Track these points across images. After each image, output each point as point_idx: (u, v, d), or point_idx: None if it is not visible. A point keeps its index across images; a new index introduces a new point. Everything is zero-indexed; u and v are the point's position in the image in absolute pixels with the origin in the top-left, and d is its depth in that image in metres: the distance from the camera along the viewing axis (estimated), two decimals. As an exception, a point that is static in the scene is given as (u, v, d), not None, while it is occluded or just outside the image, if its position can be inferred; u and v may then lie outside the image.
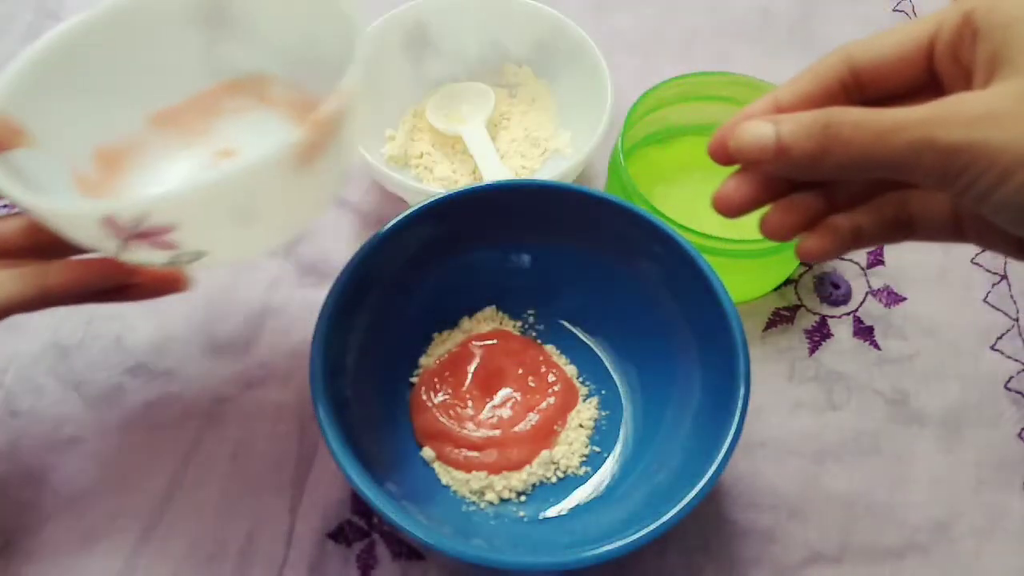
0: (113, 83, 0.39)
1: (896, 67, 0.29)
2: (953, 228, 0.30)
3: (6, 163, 0.33)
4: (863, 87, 0.29)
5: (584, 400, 0.44)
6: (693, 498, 0.34)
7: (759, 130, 0.28)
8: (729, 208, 0.30)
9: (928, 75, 0.29)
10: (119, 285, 0.36)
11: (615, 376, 0.45)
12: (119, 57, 0.39)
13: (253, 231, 0.33)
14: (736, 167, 0.30)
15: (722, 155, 0.29)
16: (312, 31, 0.39)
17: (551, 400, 0.43)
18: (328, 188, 0.35)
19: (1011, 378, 0.47)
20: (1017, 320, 0.49)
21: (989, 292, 0.50)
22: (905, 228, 0.30)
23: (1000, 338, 0.48)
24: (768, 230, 0.30)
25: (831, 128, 0.26)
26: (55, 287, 0.33)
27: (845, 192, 0.30)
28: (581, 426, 0.43)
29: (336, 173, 0.35)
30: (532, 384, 0.44)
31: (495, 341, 0.45)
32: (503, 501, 0.41)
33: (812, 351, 0.48)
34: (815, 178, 0.28)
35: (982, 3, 0.27)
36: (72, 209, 0.31)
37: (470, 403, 0.43)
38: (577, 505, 0.41)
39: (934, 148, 0.25)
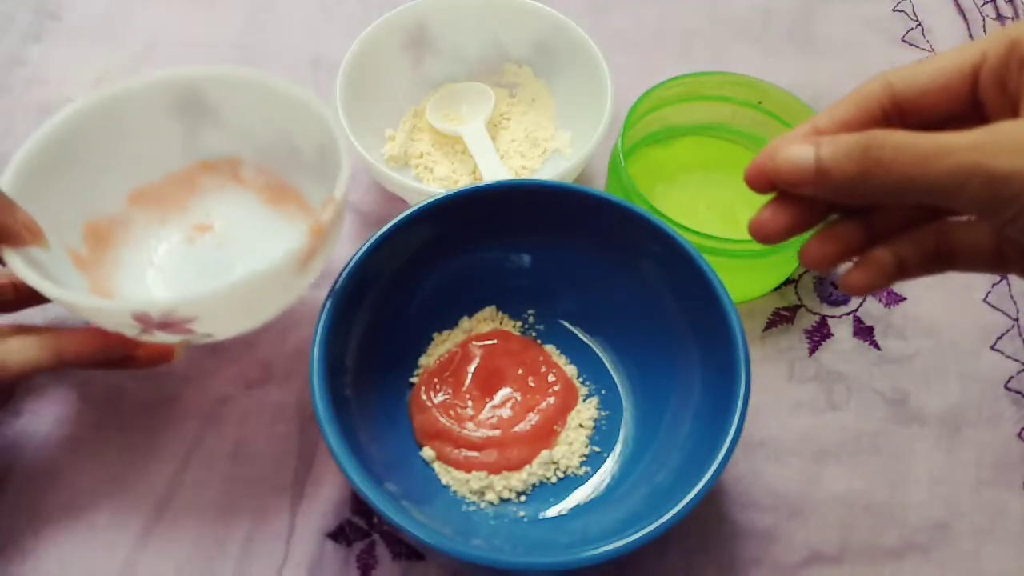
0: (100, 167, 0.43)
1: (938, 95, 0.28)
2: (995, 259, 0.29)
3: (27, 258, 0.37)
4: (904, 115, 0.29)
5: (584, 400, 0.44)
6: (693, 498, 0.34)
7: (798, 152, 0.27)
8: (766, 236, 0.30)
9: (971, 104, 0.28)
10: (123, 356, 0.40)
11: (615, 376, 0.45)
12: (105, 144, 0.43)
13: (254, 317, 0.39)
14: (769, 196, 0.30)
15: (760, 182, 0.29)
16: (285, 124, 0.44)
17: (551, 400, 0.43)
18: (312, 278, 0.39)
19: (1011, 378, 0.47)
20: (1017, 320, 0.49)
21: (989, 292, 0.50)
22: (947, 259, 0.29)
23: (1000, 338, 0.48)
24: (807, 260, 0.30)
25: (872, 151, 0.26)
26: (68, 355, 0.38)
27: (883, 222, 0.30)
28: (581, 426, 0.43)
29: (320, 266, 0.39)
30: (532, 384, 0.44)
31: (495, 341, 0.45)
32: (503, 501, 0.41)
33: (812, 351, 0.48)
34: (854, 202, 0.28)
35: None
36: (112, 307, 0.36)
37: (470, 403, 0.43)
38: (577, 505, 0.41)
39: (981, 175, 0.24)
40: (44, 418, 0.44)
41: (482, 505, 0.41)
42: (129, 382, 0.45)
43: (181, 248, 0.46)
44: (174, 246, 0.46)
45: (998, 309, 0.50)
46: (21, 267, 0.36)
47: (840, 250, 0.29)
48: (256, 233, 0.47)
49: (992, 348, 0.48)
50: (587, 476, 0.42)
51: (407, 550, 0.41)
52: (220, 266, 0.46)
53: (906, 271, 0.29)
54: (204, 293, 0.35)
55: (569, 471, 0.42)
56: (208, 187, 0.47)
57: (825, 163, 0.27)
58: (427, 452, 0.42)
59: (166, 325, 0.36)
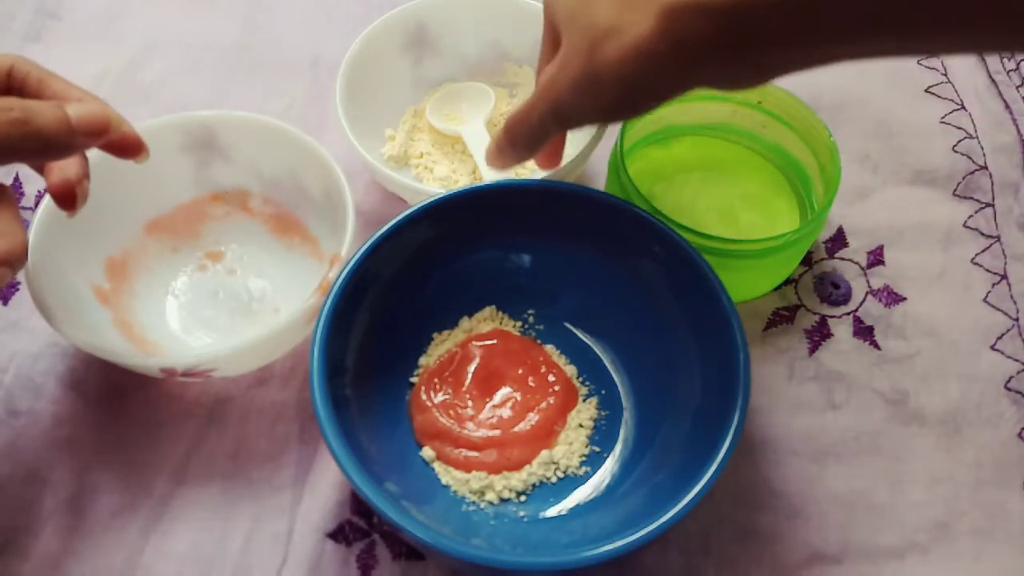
0: (118, 206, 0.46)
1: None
2: None
3: (57, 303, 0.40)
4: None
5: (584, 400, 0.44)
6: (693, 498, 0.34)
7: (490, 151, 0.40)
8: (544, 167, 0.43)
9: None
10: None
11: (615, 376, 0.45)
12: (122, 184, 0.45)
13: (266, 359, 0.43)
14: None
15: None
16: (292, 165, 0.47)
17: (551, 400, 0.43)
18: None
19: (1011, 378, 0.47)
20: (1017, 320, 0.49)
21: (989, 292, 0.50)
22: None
23: (1000, 338, 0.48)
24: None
25: (508, 129, 0.38)
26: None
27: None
28: (581, 426, 0.43)
29: None
30: (532, 384, 0.44)
31: (495, 341, 0.45)
32: (503, 501, 0.41)
33: (812, 351, 0.48)
34: (530, 155, 0.39)
35: None
36: (141, 361, 0.40)
37: (470, 403, 0.43)
38: (577, 505, 0.41)
39: (546, 117, 0.36)
40: (44, 418, 0.44)
41: (482, 505, 0.41)
42: (129, 382, 0.45)
43: (195, 276, 0.49)
44: (189, 274, 0.49)
45: (998, 309, 0.50)
46: (52, 319, 0.39)
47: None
48: (264, 260, 0.49)
49: (992, 348, 0.48)
50: (587, 476, 0.42)
51: (407, 550, 0.41)
52: (231, 292, 0.48)
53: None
54: (224, 350, 0.39)
55: (569, 471, 0.42)
56: (217, 215, 0.50)
57: (499, 145, 0.39)
58: (427, 452, 0.42)
59: (189, 374, 0.40)
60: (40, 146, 0.32)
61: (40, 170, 0.38)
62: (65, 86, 0.36)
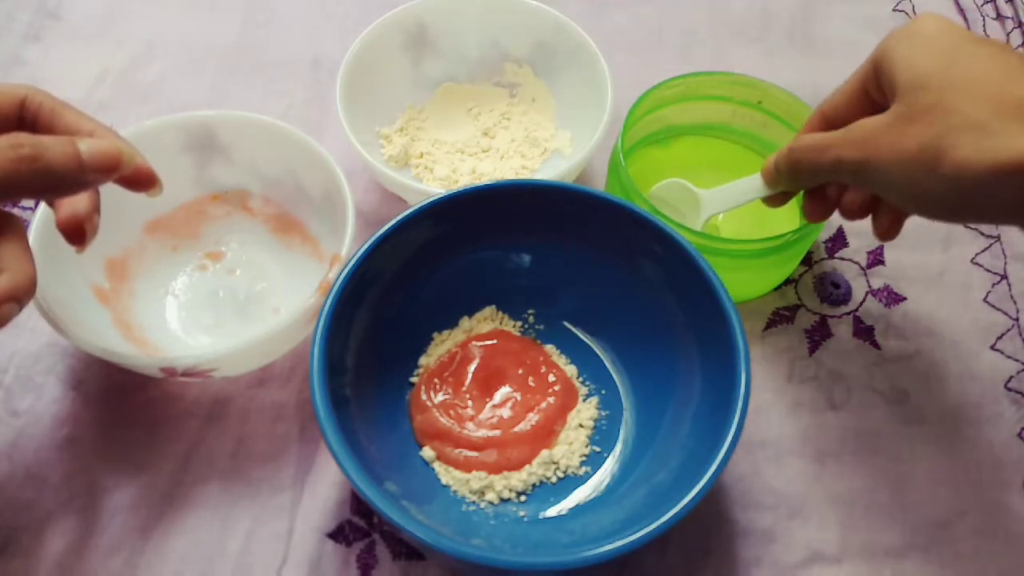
0: (119, 205, 0.44)
1: (847, 107, 0.38)
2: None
3: (56, 303, 0.40)
4: (833, 124, 0.38)
5: (584, 400, 0.44)
6: (693, 498, 0.34)
7: (769, 162, 0.41)
8: (812, 219, 0.42)
9: (871, 102, 0.37)
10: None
11: (615, 376, 0.45)
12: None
13: (266, 359, 0.44)
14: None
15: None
16: (292, 165, 0.47)
17: (551, 400, 0.43)
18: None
19: (1011, 378, 0.47)
20: (1017, 320, 0.49)
21: (989, 292, 0.50)
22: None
23: (1000, 338, 0.48)
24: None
25: (791, 152, 0.39)
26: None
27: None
28: (581, 426, 0.43)
29: None
30: (532, 384, 0.44)
31: (495, 341, 0.45)
32: (503, 501, 0.41)
33: (812, 351, 0.48)
34: (806, 186, 0.41)
35: (882, 44, 0.36)
36: (141, 360, 0.40)
37: (470, 403, 0.43)
38: (577, 505, 0.41)
39: (844, 164, 0.35)
40: (44, 418, 0.44)
41: (482, 505, 0.41)
42: (129, 382, 0.45)
43: (195, 276, 0.49)
44: (189, 274, 0.49)
45: (998, 309, 0.50)
46: (52, 319, 0.39)
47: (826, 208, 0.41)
48: (264, 260, 0.49)
49: (992, 348, 0.48)
50: (587, 476, 0.42)
51: (407, 550, 0.41)
52: (231, 292, 0.48)
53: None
54: (224, 350, 0.39)
55: (569, 471, 0.42)
56: (217, 215, 0.50)
57: (776, 165, 0.40)
58: (427, 452, 0.42)
59: (189, 374, 0.40)
60: (51, 183, 0.31)
61: (51, 203, 0.37)
62: (77, 117, 0.35)
